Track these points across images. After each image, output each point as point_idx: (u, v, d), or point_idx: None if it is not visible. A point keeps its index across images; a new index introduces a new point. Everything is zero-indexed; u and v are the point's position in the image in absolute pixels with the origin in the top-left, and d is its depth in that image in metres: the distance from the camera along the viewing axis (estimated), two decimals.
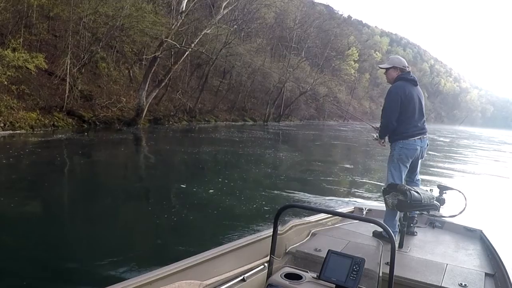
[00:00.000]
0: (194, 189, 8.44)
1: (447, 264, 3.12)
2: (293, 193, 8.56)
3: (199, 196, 7.83)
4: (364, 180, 11.51)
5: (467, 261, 3.28)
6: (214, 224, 6.13)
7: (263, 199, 7.71)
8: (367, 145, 24.80)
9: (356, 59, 67.55)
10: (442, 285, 2.73)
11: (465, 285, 2.73)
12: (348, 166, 14.86)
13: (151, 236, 5.63)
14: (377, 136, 4.27)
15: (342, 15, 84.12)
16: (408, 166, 4.00)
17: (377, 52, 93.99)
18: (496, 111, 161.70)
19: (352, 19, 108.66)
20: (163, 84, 23.44)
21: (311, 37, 49.78)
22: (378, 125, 4.38)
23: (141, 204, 7.29)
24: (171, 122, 25.20)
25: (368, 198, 8.96)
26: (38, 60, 15.25)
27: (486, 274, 2.98)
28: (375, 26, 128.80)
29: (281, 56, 46.64)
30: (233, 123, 33.24)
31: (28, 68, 15.28)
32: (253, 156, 14.80)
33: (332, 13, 76.65)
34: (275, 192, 8.78)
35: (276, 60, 44.09)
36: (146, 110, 21.89)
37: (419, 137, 3.96)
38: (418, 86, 4.11)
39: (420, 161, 4.15)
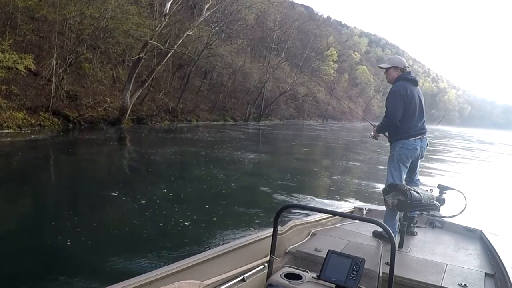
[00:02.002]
0: (124, 198, 7.53)
1: (447, 264, 3.16)
2: (236, 214, 7.03)
3: (123, 209, 6.91)
4: (337, 188, 10.61)
5: (467, 261, 3.32)
6: (100, 256, 4.86)
7: (197, 221, 6.34)
8: (345, 147, 25.38)
9: (335, 59, 69.13)
10: (442, 285, 2.77)
11: (465, 285, 2.76)
12: (317, 169, 14.17)
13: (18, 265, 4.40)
14: (373, 134, 4.36)
15: (321, 15, 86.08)
16: (408, 166, 4.06)
17: (356, 53, 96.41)
18: (473, 111, 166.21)
19: (332, 19, 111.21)
20: (146, 84, 24.29)
21: (291, 38, 51.08)
22: (375, 123, 4.55)
23: (46, 218, 6.10)
24: (153, 122, 25.98)
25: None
26: (27, 61, 15.95)
27: (486, 274, 3.02)
28: (354, 27, 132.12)
29: (261, 57, 47.89)
30: (214, 122, 33.96)
31: (17, 69, 15.93)
32: (217, 159, 13.87)
33: (312, 14, 78.39)
34: (217, 206, 7.38)
35: (256, 60, 45.25)
36: (130, 110, 22.72)
37: (419, 137, 4.03)
38: (418, 86, 4.19)
39: (420, 161, 4.21)
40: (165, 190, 8.41)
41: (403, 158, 3.98)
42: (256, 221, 6.54)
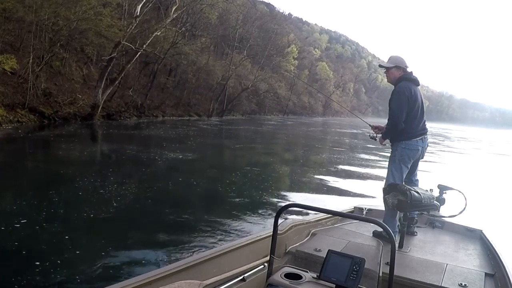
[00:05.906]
0: None
1: (447, 264, 3.19)
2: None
3: None
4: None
5: (467, 261, 3.36)
6: None
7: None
8: (303, 144, 26.34)
9: (295, 56, 71.82)
10: (442, 285, 2.80)
11: (465, 285, 2.79)
12: (256, 170, 12.94)
13: None
14: (374, 135, 4.35)
15: (283, 12, 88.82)
16: (409, 166, 4.06)
17: (316, 49, 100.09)
18: (431, 106, 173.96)
19: (293, 16, 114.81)
20: (117, 82, 26.22)
21: (253, 36, 53.45)
22: (371, 122, 4.69)
23: None
24: (122, 118, 27.73)
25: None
26: (12, 61, 17.66)
27: (486, 274, 3.05)
28: (315, 24, 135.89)
29: (224, 55, 50.23)
30: (179, 118, 35.62)
31: (5, 69, 17.62)
32: (138, 161, 12.59)
33: (273, 11, 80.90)
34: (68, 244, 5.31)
35: (219, 58, 47.53)
36: (101, 106, 24.63)
37: (420, 137, 4.05)
38: (419, 86, 4.18)
39: (420, 161, 4.24)
40: (44, 201, 6.89)
41: (405, 158, 4.02)
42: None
